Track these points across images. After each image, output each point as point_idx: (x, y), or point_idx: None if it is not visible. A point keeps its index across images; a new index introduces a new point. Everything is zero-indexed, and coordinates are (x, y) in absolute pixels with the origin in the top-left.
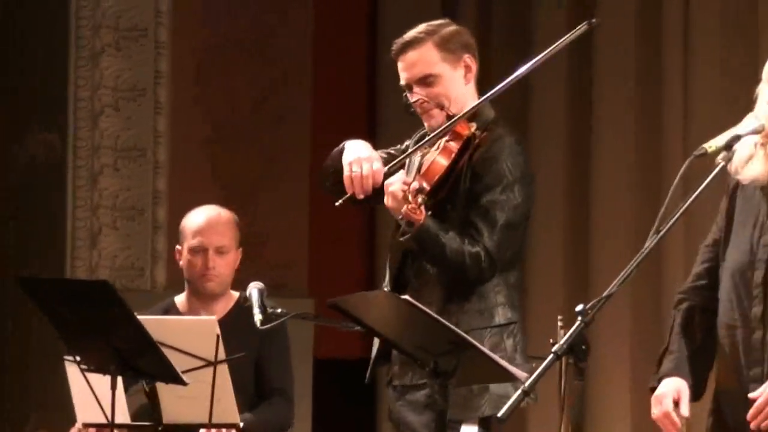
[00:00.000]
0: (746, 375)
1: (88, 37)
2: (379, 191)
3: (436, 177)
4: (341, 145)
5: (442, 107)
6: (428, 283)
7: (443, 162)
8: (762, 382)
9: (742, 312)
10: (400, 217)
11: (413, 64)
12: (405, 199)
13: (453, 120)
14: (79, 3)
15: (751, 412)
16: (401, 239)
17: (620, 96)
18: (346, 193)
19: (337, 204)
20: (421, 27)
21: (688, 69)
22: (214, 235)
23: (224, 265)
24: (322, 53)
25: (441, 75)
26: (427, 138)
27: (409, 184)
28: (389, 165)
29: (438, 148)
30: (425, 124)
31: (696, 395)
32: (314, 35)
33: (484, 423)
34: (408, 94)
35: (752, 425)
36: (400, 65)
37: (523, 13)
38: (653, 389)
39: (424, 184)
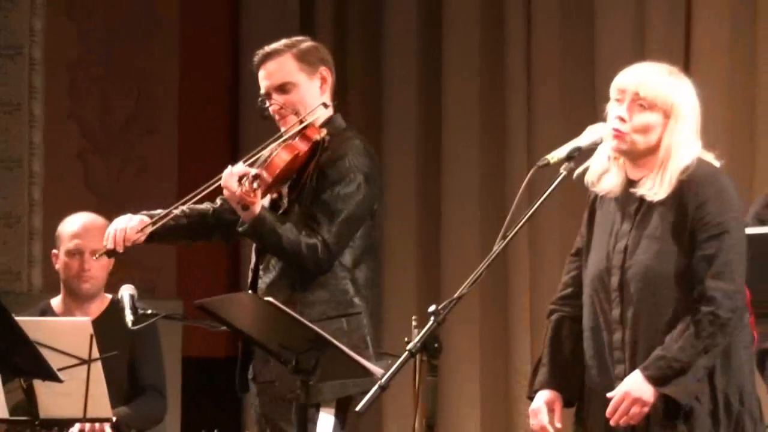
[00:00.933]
0: (612, 373)
1: None
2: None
3: (277, 170)
4: None
5: (297, 113)
6: (276, 276)
7: (284, 156)
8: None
9: (603, 315)
10: (236, 203)
11: (272, 73)
12: (240, 183)
13: (304, 124)
14: None
15: (609, 409)
16: (239, 229)
17: (467, 111)
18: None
19: (95, 257)
20: (282, 41)
21: (530, 86)
22: (90, 239)
23: (99, 268)
24: (188, 69)
25: (298, 84)
26: (276, 137)
27: (246, 173)
28: (244, 159)
29: (284, 144)
30: (282, 130)
31: (570, 402)
32: (181, 51)
33: (341, 406)
34: (267, 101)
35: (611, 422)
36: (260, 74)
37: (374, 28)
38: (531, 398)
39: (264, 174)
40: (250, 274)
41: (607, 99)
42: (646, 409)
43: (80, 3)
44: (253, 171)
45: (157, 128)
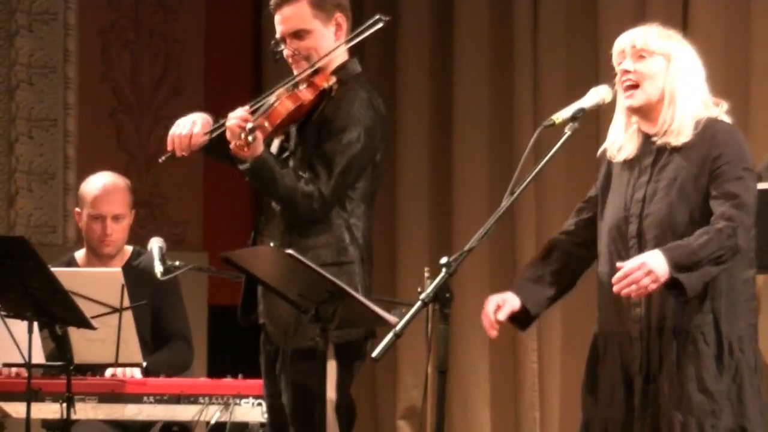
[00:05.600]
0: (627, 316)
1: (4, 20)
2: (207, 148)
3: (279, 119)
4: None
5: (308, 59)
6: (272, 219)
7: (288, 105)
8: (641, 323)
9: (620, 261)
10: (237, 147)
11: (288, 18)
12: (237, 135)
13: (314, 69)
14: None
15: (620, 274)
16: (240, 168)
17: (478, 74)
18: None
19: (160, 161)
20: None
21: (537, 50)
22: (111, 204)
23: (120, 230)
24: (213, 33)
25: (312, 30)
26: (283, 82)
27: (246, 121)
28: (251, 104)
29: (289, 93)
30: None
31: (529, 317)
32: (206, 17)
33: (342, 351)
34: (282, 45)
35: (616, 288)
36: (276, 19)
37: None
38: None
39: (266, 124)
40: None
41: (607, 62)
42: (654, 286)
43: None
44: (250, 125)
45: (183, 90)
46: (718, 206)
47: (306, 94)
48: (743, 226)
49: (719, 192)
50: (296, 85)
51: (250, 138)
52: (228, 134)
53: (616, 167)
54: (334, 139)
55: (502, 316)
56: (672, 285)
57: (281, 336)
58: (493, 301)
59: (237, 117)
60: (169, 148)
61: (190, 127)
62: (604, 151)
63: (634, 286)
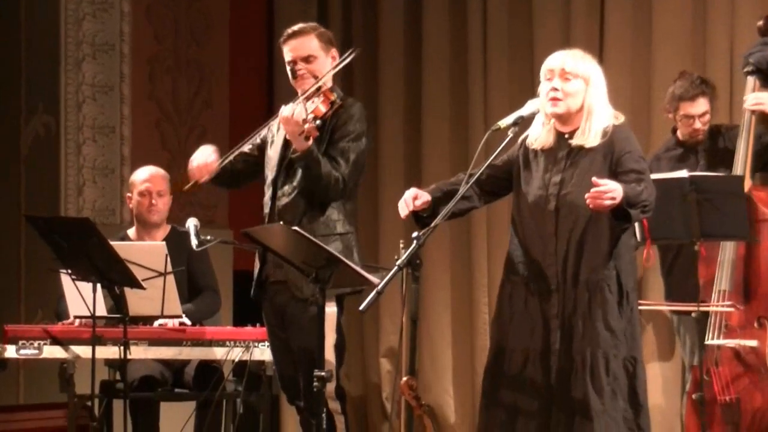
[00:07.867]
0: (547, 273)
1: (73, 49)
2: (217, 177)
3: (321, 113)
4: None
5: (315, 77)
6: (291, 200)
7: (325, 106)
8: (557, 277)
9: (539, 231)
10: (300, 135)
11: (300, 46)
12: (305, 121)
13: (318, 84)
14: (67, 26)
15: (594, 188)
16: (292, 156)
17: (441, 95)
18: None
19: (184, 189)
20: (305, 23)
21: (486, 70)
22: (156, 182)
23: (163, 203)
24: (236, 60)
25: (318, 57)
26: (301, 94)
27: (301, 115)
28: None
29: (318, 99)
30: (298, 90)
31: (426, 218)
32: (230, 47)
33: (340, 300)
34: (293, 67)
35: (590, 199)
36: (288, 47)
37: (372, 22)
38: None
39: (312, 117)
40: (269, 191)
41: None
42: (609, 203)
43: (156, 12)
44: (311, 115)
45: (212, 104)
46: (626, 178)
47: (326, 101)
48: (653, 195)
49: (625, 169)
50: (314, 96)
51: (317, 122)
52: (293, 125)
53: (532, 153)
54: (347, 137)
55: (418, 204)
56: (618, 215)
57: (296, 290)
58: (413, 190)
59: (299, 110)
60: (192, 178)
61: (204, 157)
62: (526, 137)
63: (599, 199)
